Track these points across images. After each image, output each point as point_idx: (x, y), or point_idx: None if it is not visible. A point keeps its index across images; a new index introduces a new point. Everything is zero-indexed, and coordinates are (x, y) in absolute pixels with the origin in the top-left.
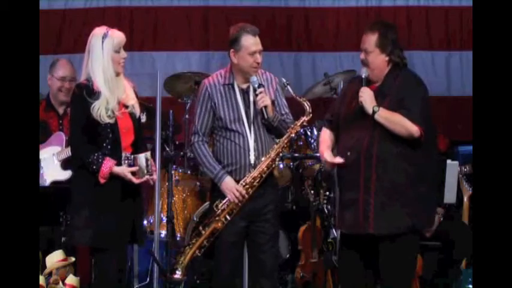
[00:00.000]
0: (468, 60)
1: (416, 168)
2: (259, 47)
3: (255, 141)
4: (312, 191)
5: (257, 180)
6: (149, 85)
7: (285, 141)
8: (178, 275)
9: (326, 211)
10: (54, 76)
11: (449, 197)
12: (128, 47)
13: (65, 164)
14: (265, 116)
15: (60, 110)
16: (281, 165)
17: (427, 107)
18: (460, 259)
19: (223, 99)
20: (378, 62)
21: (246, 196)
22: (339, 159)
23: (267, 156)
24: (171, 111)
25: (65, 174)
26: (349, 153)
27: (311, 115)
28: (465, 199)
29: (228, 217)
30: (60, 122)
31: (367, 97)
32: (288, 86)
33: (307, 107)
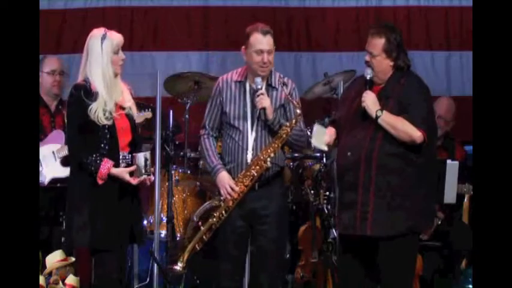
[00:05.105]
0: (468, 60)
1: (416, 169)
2: (267, 46)
3: (255, 140)
4: (312, 191)
5: (250, 179)
6: (149, 85)
7: (276, 141)
8: (179, 266)
9: (326, 211)
10: (44, 72)
11: (449, 197)
12: (128, 47)
13: (65, 161)
14: (262, 118)
15: (52, 107)
16: None
17: (431, 110)
18: (460, 259)
19: (231, 95)
20: (383, 66)
21: (239, 193)
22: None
23: (258, 155)
24: (171, 111)
25: (64, 171)
26: (349, 154)
27: (301, 116)
28: (465, 199)
29: (224, 213)
30: (52, 119)
31: (370, 101)
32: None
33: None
